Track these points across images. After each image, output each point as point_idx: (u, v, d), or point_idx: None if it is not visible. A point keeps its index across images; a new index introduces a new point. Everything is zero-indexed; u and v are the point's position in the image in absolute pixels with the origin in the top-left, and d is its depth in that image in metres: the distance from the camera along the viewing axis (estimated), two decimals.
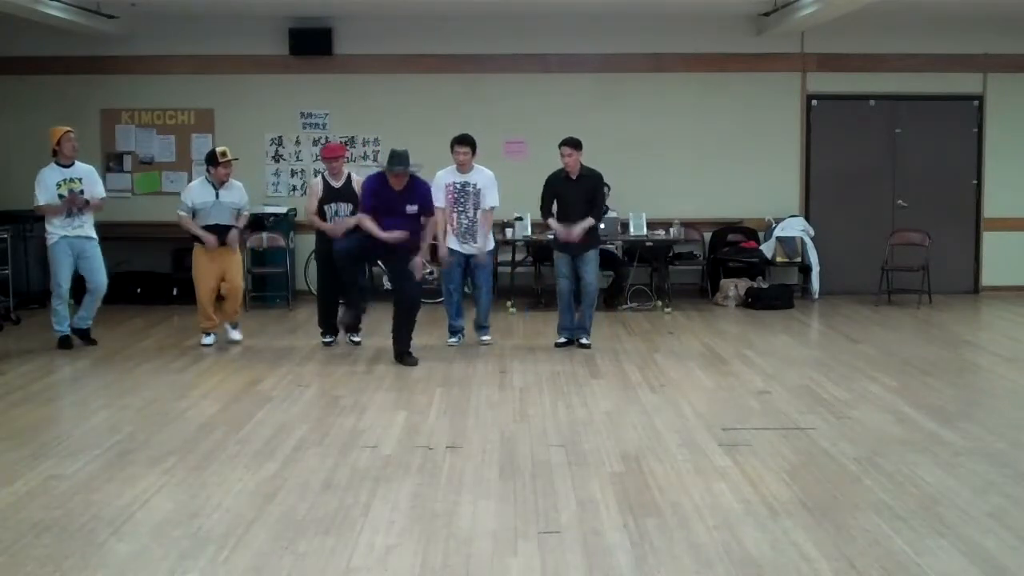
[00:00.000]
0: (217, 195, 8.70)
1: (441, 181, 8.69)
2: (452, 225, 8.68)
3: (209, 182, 8.73)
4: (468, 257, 8.79)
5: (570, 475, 5.20)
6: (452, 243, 8.78)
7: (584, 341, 8.75)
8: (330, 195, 8.68)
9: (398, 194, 8.10)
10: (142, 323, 9.13)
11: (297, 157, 12.03)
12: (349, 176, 8.79)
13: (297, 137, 12.01)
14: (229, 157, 8.80)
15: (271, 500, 4.83)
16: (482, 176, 8.71)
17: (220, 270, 8.76)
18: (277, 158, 12.00)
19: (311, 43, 11.73)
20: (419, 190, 8.23)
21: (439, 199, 8.59)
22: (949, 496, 4.85)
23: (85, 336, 8.88)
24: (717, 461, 5.44)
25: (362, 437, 5.94)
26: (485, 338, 8.94)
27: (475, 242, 8.70)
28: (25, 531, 4.43)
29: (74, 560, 4.12)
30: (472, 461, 5.47)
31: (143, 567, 4.06)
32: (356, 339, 8.96)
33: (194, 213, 8.69)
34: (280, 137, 11.98)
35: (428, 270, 11.55)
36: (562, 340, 8.82)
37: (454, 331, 9.01)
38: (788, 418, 6.36)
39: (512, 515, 4.62)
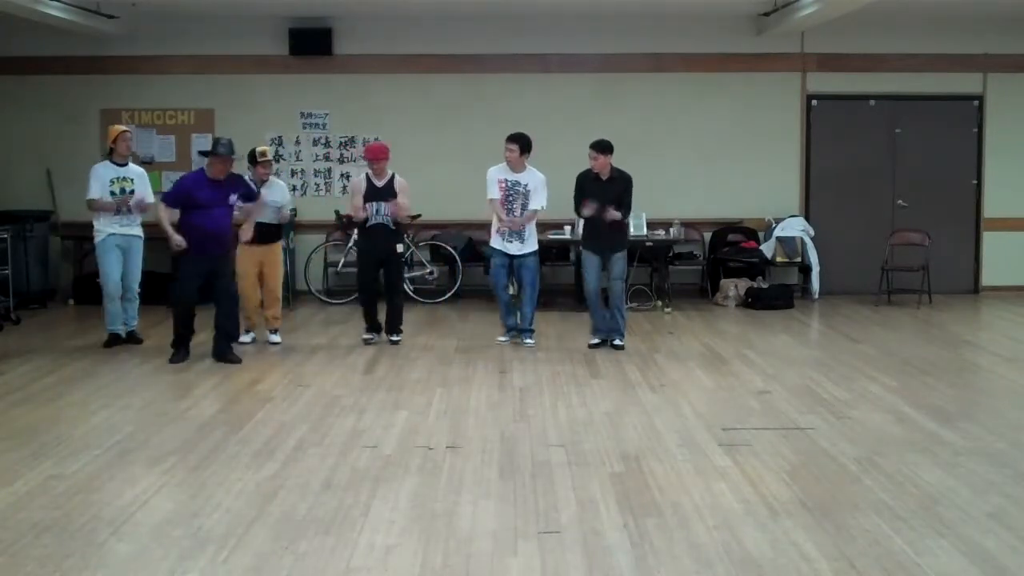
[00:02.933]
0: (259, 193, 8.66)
1: (493, 176, 8.74)
2: (501, 219, 8.71)
3: (251, 180, 8.65)
4: (512, 257, 8.78)
5: (570, 475, 5.20)
6: (496, 242, 8.78)
7: (617, 342, 8.69)
8: (372, 194, 8.68)
9: (220, 185, 8.18)
10: (142, 323, 9.12)
11: (297, 157, 12.03)
12: (392, 176, 8.80)
13: (297, 137, 12.01)
14: (269, 157, 8.94)
15: (271, 500, 4.83)
16: (533, 177, 8.73)
17: (259, 268, 8.80)
18: (277, 158, 11.98)
19: (311, 43, 11.73)
20: (240, 180, 8.41)
21: (493, 191, 8.69)
22: (949, 496, 4.85)
23: (132, 337, 8.94)
24: (717, 461, 5.44)
25: (362, 437, 5.94)
26: (528, 341, 8.90)
27: (519, 242, 8.72)
28: (25, 531, 4.42)
29: (74, 560, 4.12)
30: (472, 461, 5.47)
31: (143, 567, 4.06)
32: (396, 339, 8.96)
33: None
34: (280, 137, 11.98)
35: (428, 270, 11.60)
36: (595, 341, 8.77)
37: (508, 329, 9.00)
38: (788, 418, 6.36)
39: (512, 515, 4.62)
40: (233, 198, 8.26)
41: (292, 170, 12.01)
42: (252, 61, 11.87)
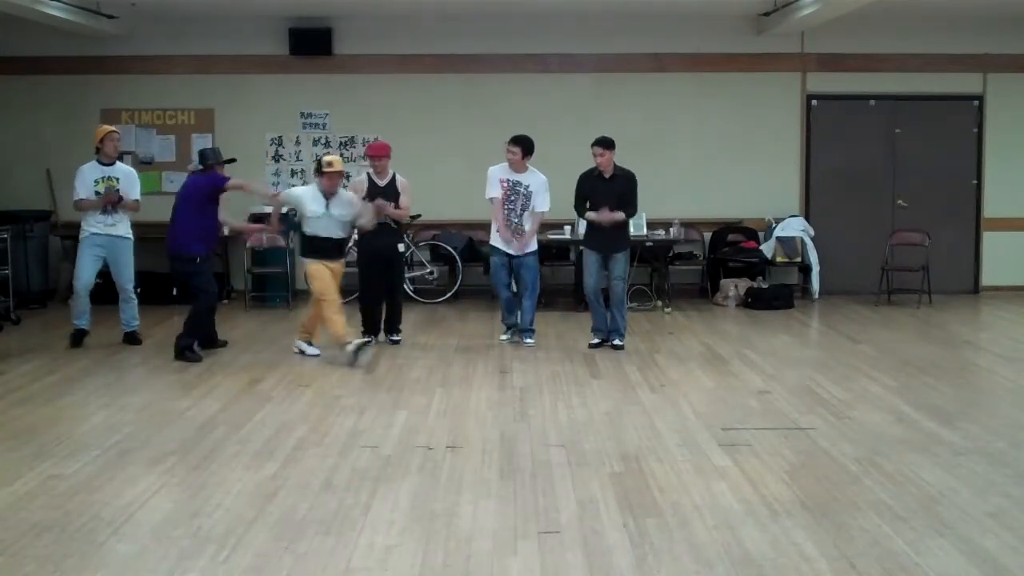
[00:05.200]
0: (327, 206, 8.25)
1: (495, 176, 8.75)
2: (500, 228, 8.72)
3: (321, 192, 8.30)
4: (511, 257, 8.78)
5: (570, 475, 5.20)
6: (495, 241, 8.78)
7: (617, 343, 8.68)
8: (375, 193, 8.67)
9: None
10: (142, 323, 9.12)
11: (297, 157, 12.03)
12: (394, 175, 8.80)
13: (297, 137, 12.01)
14: (336, 168, 8.25)
15: (271, 500, 4.83)
16: (535, 179, 8.74)
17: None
18: (277, 158, 12.00)
19: (311, 43, 11.73)
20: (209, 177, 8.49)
21: (494, 190, 8.70)
22: (949, 496, 4.85)
23: (132, 338, 8.93)
24: (717, 461, 5.44)
25: (362, 437, 5.94)
26: (528, 341, 8.88)
27: (518, 242, 8.74)
28: (25, 531, 4.42)
29: (74, 560, 4.12)
30: (472, 461, 5.47)
31: (143, 567, 4.06)
32: (396, 339, 8.96)
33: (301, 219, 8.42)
34: (280, 137, 11.98)
35: (428, 270, 11.60)
36: (595, 341, 8.77)
37: (508, 327, 9.00)
38: (788, 418, 6.36)
39: (512, 515, 4.62)
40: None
41: (292, 170, 12.01)
42: (252, 61, 11.87)
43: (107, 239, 8.75)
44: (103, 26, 11.04)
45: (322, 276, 8.17)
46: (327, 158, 8.40)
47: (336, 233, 8.33)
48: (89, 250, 8.72)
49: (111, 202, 8.69)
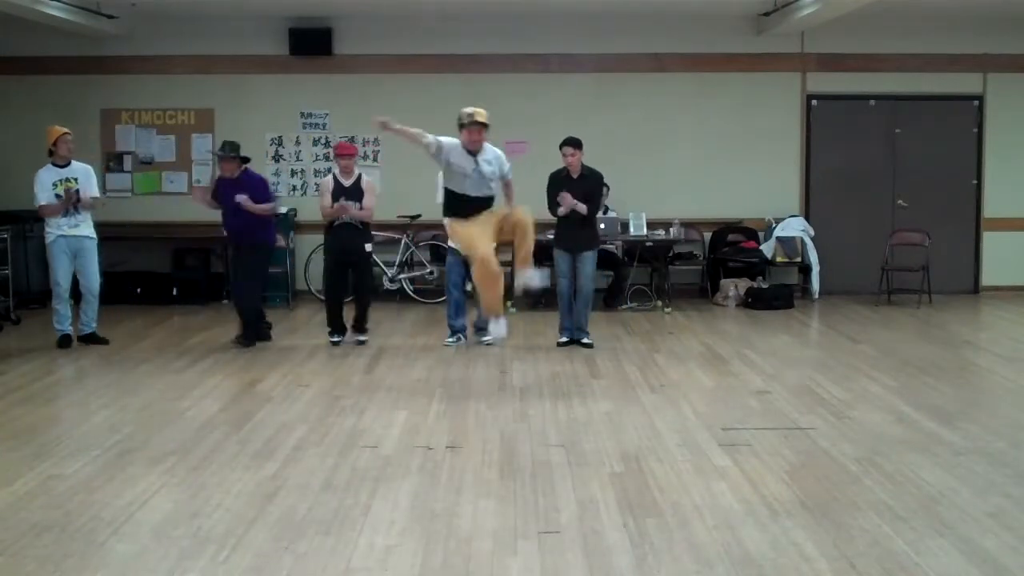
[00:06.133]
0: (477, 163, 7.52)
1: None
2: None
3: (464, 148, 7.56)
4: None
5: (570, 475, 5.20)
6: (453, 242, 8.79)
7: (585, 340, 8.75)
8: (340, 193, 8.71)
9: (231, 184, 8.73)
10: (142, 323, 9.13)
11: (297, 157, 12.03)
12: (359, 176, 8.84)
13: (297, 137, 12.01)
14: (480, 119, 7.40)
15: (271, 500, 4.83)
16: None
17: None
18: (277, 158, 12.00)
19: (311, 43, 11.73)
20: (250, 181, 8.82)
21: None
22: (949, 496, 4.85)
23: (93, 339, 8.90)
24: (717, 461, 5.44)
25: (362, 437, 5.94)
26: (486, 339, 8.87)
27: None
28: (25, 531, 4.42)
29: (74, 560, 4.12)
30: (472, 461, 5.46)
31: (143, 567, 4.06)
32: (363, 338, 8.96)
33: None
34: (280, 137, 11.98)
35: (428, 270, 11.60)
36: (563, 340, 8.83)
37: (453, 331, 8.98)
38: (788, 418, 6.36)
39: (512, 515, 4.62)
40: (241, 197, 8.61)
41: (292, 170, 12.01)
42: (252, 61, 11.87)
43: (73, 239, 8.74)
44: (103, 26, 11.04)
45: (471, 235, 7.36)
46: (468, 109, 7.50)
47: (484, 191, 7.56)
48: (61, 254, 8.71)
49: (72, 203, 8.67)
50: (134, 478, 5.18)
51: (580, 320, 8.80)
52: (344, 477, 5.17)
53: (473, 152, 7.54)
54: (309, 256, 11.74)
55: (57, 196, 8.68)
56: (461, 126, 7.57)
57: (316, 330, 9.76)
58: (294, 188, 11.95)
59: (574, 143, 8.65)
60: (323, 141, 12.00)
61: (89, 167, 9.07)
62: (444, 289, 9.18)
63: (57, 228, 8.69)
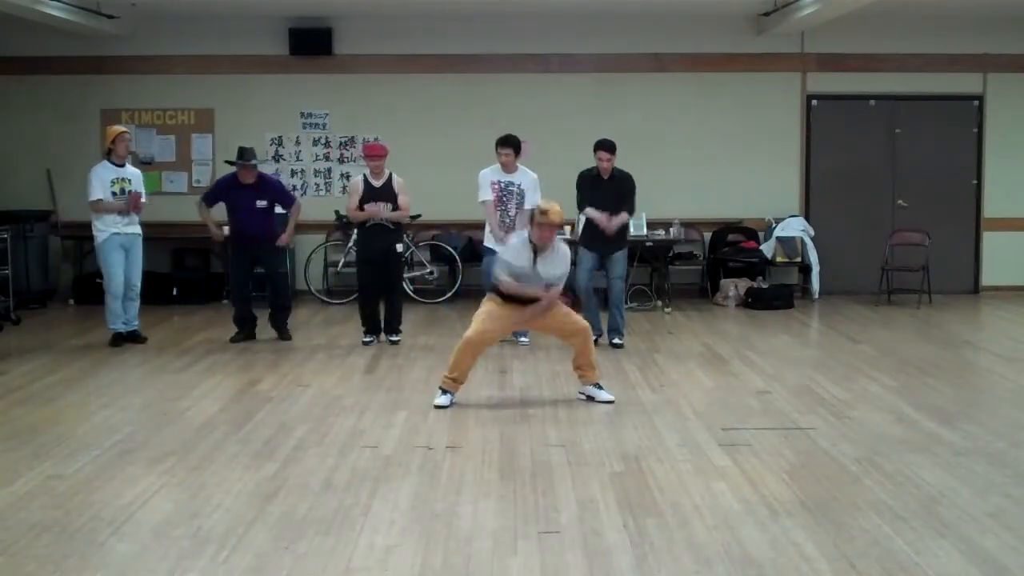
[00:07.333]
0: (535, 263, 6.64)
1: (486, 178, 8.76)
2: (495, 232, 8.71)
3: (531, 241, 6.67)
4: None
5: (570, 475, 5.20)
6: (488, 241, 8.79)
7: (617, 341, 8.72)
8: (370, 194, 8.68)
9: (249, 189, 8.86)
10: (142, 323, 9.12)
11: (297, 157, 12.03)
12: (390, 176, 8.81)
13: (297, 137, 12.01)
14: (553, 219, 6.49)
15: (271, 500, 4.83)
16: (526, 178, 8.75)
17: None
18: (277, 158, 12.00)
19: (311, 43, 11.73)
20: (268, 185, 9.08)
21: (486, 193, 8.71)
22: (949, 496, 4.85)
23: (135, 337, 8.96)
24: (717, 461, 5.44)
25: (362, 437, 5.93)
26: (523, 340, 8.88)
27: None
28: (25, 531, 4.42)
29: (74, 560, 4.12)
30: (472, 461, 5.46)
31: (143, 567, 4.06)
32: (395, 339, 8.96)
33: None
34: (280, 137, 11.98)
35: (428, 270, 11.60)
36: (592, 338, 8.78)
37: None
38: (788, 418, 6.36)
39: (512, 515, 4.62)
40: (261, 203, 8.82)
41: (292, 170, 12.01)
42: (252, 61, 11.87)
43: (127, 237, 8.85)
44: (103, 26, 11.03)
45: (493, 315, 6.72)
46: (544, 204, 6.67)
47: (534, 286, 6.69)
48: (115, 251, 8.77)
49: (133, 205, 8.78)
50: (134, 478, 5.18)
51: (616, 321, 8.78)
52: (344, 477, 5.17)
53: (538, 251, 6.68)
54: (309, 256, 11.74)
55: (113, 194, 8.74)
56: (532, 220, 6.77)
57: (316, 330, 9.78)
58: (294, 188, 11.91)
59: (609, 147, 8.59)
60: (323, 141, 12.00)
61: (139, 171, 9.19)
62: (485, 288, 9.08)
63: (111, 226, 8.75)
